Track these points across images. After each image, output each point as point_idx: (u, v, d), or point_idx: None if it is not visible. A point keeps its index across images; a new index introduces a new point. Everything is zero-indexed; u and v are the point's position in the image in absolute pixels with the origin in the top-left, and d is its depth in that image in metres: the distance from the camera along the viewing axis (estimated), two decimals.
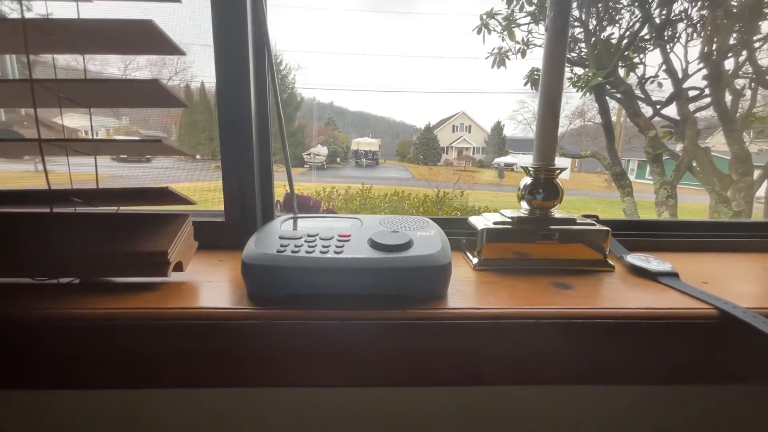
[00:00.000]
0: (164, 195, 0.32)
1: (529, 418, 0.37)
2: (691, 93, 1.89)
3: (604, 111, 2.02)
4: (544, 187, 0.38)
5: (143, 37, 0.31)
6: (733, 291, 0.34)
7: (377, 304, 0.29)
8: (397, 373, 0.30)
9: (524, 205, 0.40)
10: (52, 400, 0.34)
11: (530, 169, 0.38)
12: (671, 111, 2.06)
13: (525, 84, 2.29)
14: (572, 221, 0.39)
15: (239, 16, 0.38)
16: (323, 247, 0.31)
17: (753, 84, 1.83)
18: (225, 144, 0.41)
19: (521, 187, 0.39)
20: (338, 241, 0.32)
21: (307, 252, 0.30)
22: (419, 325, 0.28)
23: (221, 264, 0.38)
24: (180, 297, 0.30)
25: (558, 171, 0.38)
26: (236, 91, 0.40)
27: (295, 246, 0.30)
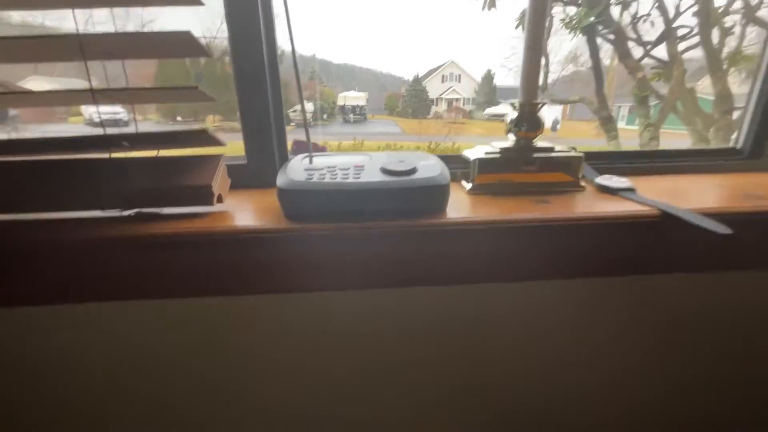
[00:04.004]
0: (202, 136, 0.37)
1: (518, 311, 0.46)
2: (681, 32, 1.89)
3: (594, 53, 2.01)
4: (528, 120, 0.44)
5: None
6: (679, 200, 0.41)
7: (389, 218, 0.36)
8: (408, 275, 0.38)
9: (511, 136, 0.46)
10: (127, 309, 0.42)
11: (516, 104, 0.44)
12: (661, 52, 2.06)
13: (517, 27, 2.24)
14: (551, 149, 0.45)
15: None
16: (343, 174, 0.37)
17: (744, 20, 1.83)
18: (242, 93, 0.45)
19: (508, 121, 0.45)
20: (355, 170, 0.38)
21: (330, 178, 0.36)
22: (426, 233, 0.35)
23: (251, 197, 0.44)
24: (228, 221, 0.36)
25: (540, 105, 0.43)
26: (248, 43, 0.43)
27: (320, 175, 0.36)
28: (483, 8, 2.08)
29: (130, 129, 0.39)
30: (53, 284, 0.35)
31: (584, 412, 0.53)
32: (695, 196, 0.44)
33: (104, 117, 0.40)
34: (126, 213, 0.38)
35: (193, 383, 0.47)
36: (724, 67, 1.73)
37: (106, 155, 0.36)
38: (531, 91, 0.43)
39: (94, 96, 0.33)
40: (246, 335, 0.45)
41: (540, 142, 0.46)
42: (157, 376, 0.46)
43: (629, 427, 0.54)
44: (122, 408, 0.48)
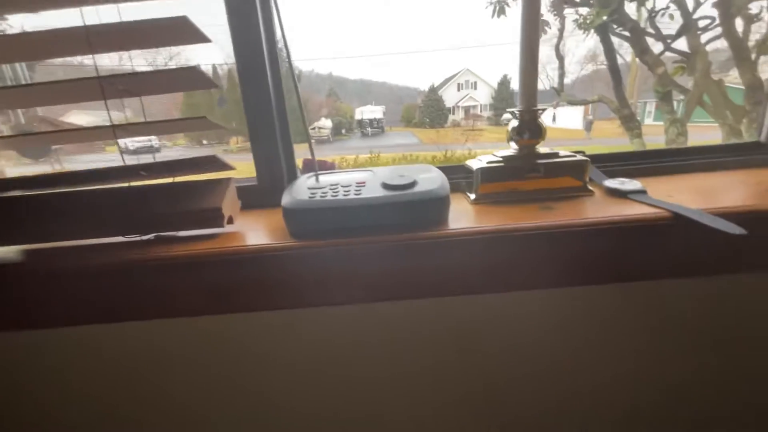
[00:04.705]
0: (211, 162, 0.39)
1: (523, 320, 0.45)
2: (702, 23, 1.82)
3: (609, 52, 1.97)
4: (529, 127, 0.44)
5: (178, 31, 0.37)
6: (699, 199, 0.39)
7: (392, 232, 0.36)
8: (413, 287, 0.38)
9: (513, 145, 0.45)
10: (151, 329, 0.44)
11: (516, 112, 0.44)
12: (682, 45, 1.98)
13: None
14: (556, 155, 0.44)
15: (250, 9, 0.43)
16: (344, 191, 0.38)
17: None
18: (251, 119, 0.48)
19: (509, 129, 0.45)
20: (356, 186, 0.39)
21: (332, 196, 0.37)
22: (427, 245, 0.36)
23: (261, 217, 0.46)
24: (237, 240, 0.38)
25: (540, 111, 0.43)
26: (254, 73, 0.46)
27: (322, 193, 0.38)
28: (492, 16, 2.09)
29: (161, 154, 0.42)
30: (79, 307, 0.38)
31: (595, 420, 0.50)
32: (716, 195, 0.42)
33: (138, 145, 0.44)
34: (146, 237, 0.41)
35: (207, 394, 0.49)
36: (753, 56, 1.65)
37: (126, 184, 0.39)
38: (530, 98, 0.43)
39: (115, 131, 0.36)
40: (255, 349, 0.46)
41: (543, 149, 0.45)
42: (171, 390, 0.48)
43: None
44: (147, 421, 0.50)
